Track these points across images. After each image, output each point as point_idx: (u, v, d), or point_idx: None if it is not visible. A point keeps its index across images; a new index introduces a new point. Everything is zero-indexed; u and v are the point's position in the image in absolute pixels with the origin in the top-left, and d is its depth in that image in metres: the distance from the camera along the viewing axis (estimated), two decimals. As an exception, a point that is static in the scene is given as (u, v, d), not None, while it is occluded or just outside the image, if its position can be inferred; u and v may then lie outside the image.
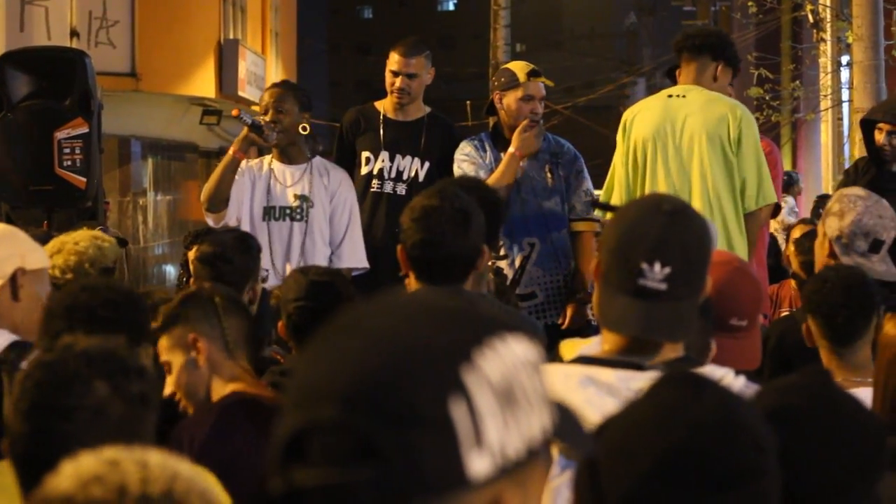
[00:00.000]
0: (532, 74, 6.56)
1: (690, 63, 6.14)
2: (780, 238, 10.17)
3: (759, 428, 1.78)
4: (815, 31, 15.56)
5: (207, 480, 1.51)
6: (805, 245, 6.79)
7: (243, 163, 6.42)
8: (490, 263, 4.37)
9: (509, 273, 6.41)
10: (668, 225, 2.65)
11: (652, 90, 36.38)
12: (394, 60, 6.81)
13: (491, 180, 6.28)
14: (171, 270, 20.14)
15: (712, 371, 2.67)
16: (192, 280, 5.15)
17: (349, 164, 6.80)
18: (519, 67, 6.65)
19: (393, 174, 6.78)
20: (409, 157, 6.79)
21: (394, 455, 1.24)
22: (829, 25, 14.98)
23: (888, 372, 3.27)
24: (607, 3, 54.96)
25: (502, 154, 6.49)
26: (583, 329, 6.27)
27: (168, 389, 3.75)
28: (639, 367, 2.64)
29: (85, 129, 7.44)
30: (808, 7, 15.24)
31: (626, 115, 6.24)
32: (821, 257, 5.12)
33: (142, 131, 19.91)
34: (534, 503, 1.34)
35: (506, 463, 1.29)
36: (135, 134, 19.64)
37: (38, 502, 1.40)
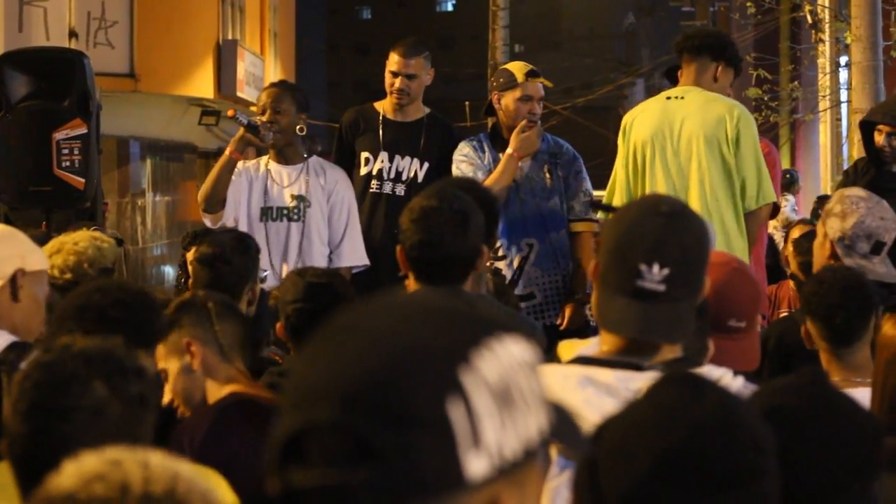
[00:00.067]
0: (530, 75, 6.56)
1: (690, 64, 6.15)
2: (779, 237, 10.17)
3: (758, 428, 1.79)
4: (813, 31, 15.56)
5: (208, 481, 1.51)
6: (803, 246, 6.79)
7: (240, 163, 6.42)
8: (488, 264, 4.37)
9: (508, 274, 6.41)
10: (666, 226, 2.65)
11: (650, 90, 36.41)
12: (393, 61, 6.81)
13: (489, 181, 6.28)
14: (169, 271, 20.13)
15: (710, 371, 2.67)
16: (190, 281, 5.15)
17: (348, 164, 6.80)
18: (517, 68, 6.65)
19: (392, 175, 6.78)
20: (408, 158, 6.79)
21: (392, 456, 1.24)
22: (827, 26, 14.99)
23: (886, 372, 3.27)
24: (606, 3, 54.98)
25: (501, 155, 6.49)
26: (581, 330, 6.27)
27: (166, 398, 3.76)
28: (637, 368, 2.64)
29: (83, 130, 7.44)
30: (807, 8, 15.25)
31: (626, 119, 6.25)
32: (821, 258, 5.11)
33: (140, 132, 19.90)
34: (531, 503, 1.34)
35: (503, 463, 1.29)
36: (133, 134, 19.64)
37: (41, 501, 1.41)
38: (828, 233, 5.09)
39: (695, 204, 5.87)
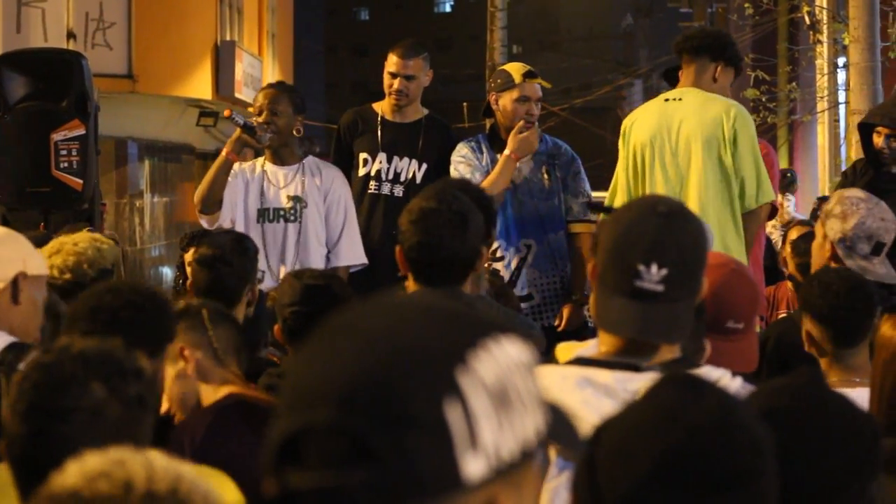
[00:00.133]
0: (528, 76, 6.56)
1: (690, 65, 6.15)
2: (777, 237, 10.17)
3: (757, 429, 1.79)
4: (811, 32, 15.57)
5: (211, 482, 1.52)
6: (801, 247, 6.79)
7: (236, 165, 6.42)
8: (486, 265, 4.37)
9: (505, 275, 6.41)
10: (663, 226, 2.66)
11: (649, 91, 36.42)
12: (392, 62, 6.81)
13: (486, 183, 6.28)
14: (167, 272, 20.14)
15: (709, 372, 2.67)
16: (188, 282, 5.14)
17: (346, 165, 6.80)
18: (515, 69, 6.65)
19: (390, 176, 6.78)
20: (406, 159, 6.79)
21: (389, 457, 1.24)
22: (825, 27, 14.99)
23: (884, 372, 3.28)
24: (604, 4, 55.00)
25: (499, 155, 6.49)
26: (579, 331, 6.27)
27: (163, 407, 3.77)
28: (636, 369, 2.64)
29: (81, 131, 7.44)
30: (805, 9, 15.25)
31: (626, 122, 6.25)
32: (820, 259, 5.11)
33: (138, 133, 19.91)
34: None
35: (500, 464, 1.29)
36: (131, 135, 19.64)
37: (44, 499, 1.41)
38: (828, 234, 5.09)
39: (693, 205, 5.87)
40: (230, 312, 4.33)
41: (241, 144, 6.38)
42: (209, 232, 6.12)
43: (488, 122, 6.82)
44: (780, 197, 11.72)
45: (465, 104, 23.13)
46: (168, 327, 3.28)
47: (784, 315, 6.79)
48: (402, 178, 6.77)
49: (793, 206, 13.22)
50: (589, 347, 2.81)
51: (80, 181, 7.46)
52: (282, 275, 5.72)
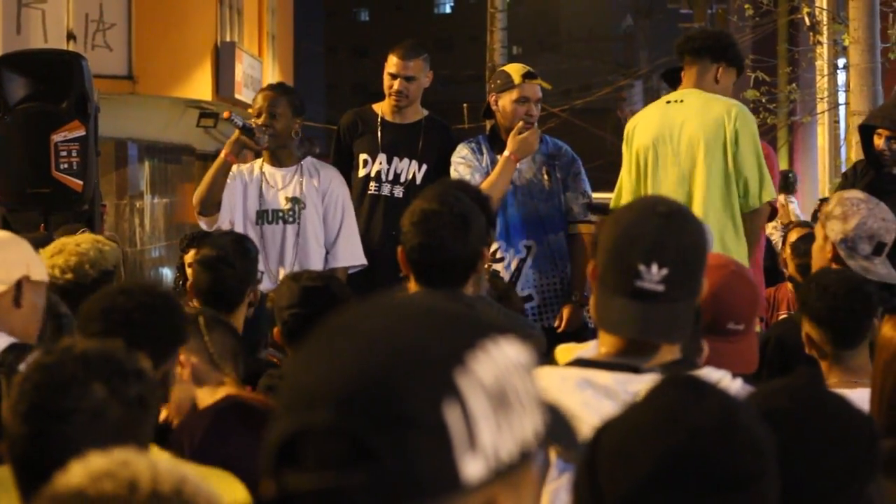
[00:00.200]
0: (527, 76, 6.55)
1: (692, 66, 6.15)
2: (777, 238, 10.18)
3: (758, 431, 1.79)
4: (811, 33, 15.57)
5: (216, 483, 1.52)
6: (801, 248, 6.79)
7: (234, 167, 6.42)
8: (486, 266, 4.36)
9: (505, 276, 6.41)
10: (664, 227, 2.66)
11: (649, 92, 36.43)
12: (392, 63, 6.81)
13: (486, 184, 6.28)
14: (167, 273, 20.13)
15: (710, 374, 2.67)
16: (188, 283, 5.14)
17: (346, 166, 6.80)
18: (515, 70, 6.65)
19: (390, 177, 6.78)
20: (406, 160, 6.79)
21: (388, 458, 1.24)
22: (825, 28, 14.98)
23: (885, 373, 3.28)
24: (604, 5, 55.01)
25: (499, 156, 6.49)
26: (579, 332, 6.27)
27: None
28: (636, 370, 2.64)
29: (82, 132, 7.44)
30: (805, 10, 15.25)
31: (629, 126, 6.26)
32: (821, 261, 5.12)
33: (138, 134, 19.90)
34: None
35: (499, 465, 1.29)
36: (131, 137, 19.64)
37: (48, 499, 1.41)
38: (829, 235, 5.10)
39: (697, 207, 5.88)
40: (227, 319, 4.36)
41: (240, 146, 6.38)
42: (209, 233, 6.12)
43: (488, 124, 6.81)
44: (782, 198, 11.74)
45: (465, 105, 23.14)
46: (180, 329, 3.28)
47: (784, 316, 6.79)
48: (402, 179, 6.77)
49: (797, 208, 13.24)
50: (589, 349, 2.81)
51: (81, 182, 7.46)
52: (281, 276, 5.72)
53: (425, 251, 3.63)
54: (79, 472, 1.41)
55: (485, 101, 6.79)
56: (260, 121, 6.40)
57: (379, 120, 6.84)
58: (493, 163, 6.50)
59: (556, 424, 1.41)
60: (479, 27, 23.96)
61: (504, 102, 6.55)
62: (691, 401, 1.79)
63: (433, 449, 1.25)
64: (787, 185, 13.56)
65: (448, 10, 62.23)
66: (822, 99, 15.90)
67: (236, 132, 6.35)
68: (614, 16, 55.04)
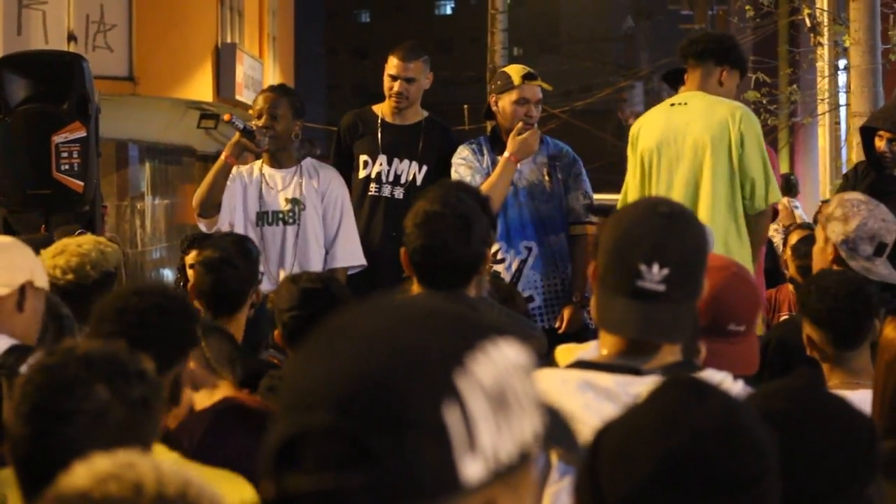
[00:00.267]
0: (527, 78, 6.55)
1: (695, 69, 6.15)
2: (778, 240, 10.18)
3: (760, 433, 1.78)
4: (812, 35, 15.55)
5: (223, 485, 1.53)
6: (801, 250, 6.79)
7: (234, 168, 6.42)
8: (487, 267, 4.36)
9: (506, 277, 6.41)
10: (665, 227, 2.67)
11: (649, 94, 36.44)
12: (392, 64, 6.81)
13: (486, 185, 6.29)
14: (168, 274, 20.13)
15: (711, 375, 2.67)
16: (189, 285, 5.13)
17: (346, 167, 6.80)
18: (514, 71, 6.65)
19: (391, 178, 6.78)
20: (406, 161, 6.79)
21: (388, 460, 1.24)
22: (826, 29, 14.98)
23: (887, 375, 3.28)
24: (605, 7, 55.02)
25: (500, 157, 6.49)
26: (580, 333, 6.27)
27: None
28: (637, 372, 2.64)
29: (82, 133, 7.44)
30: (806, 11, 15.24)
31: (634, 129, 6.26)
32: (821, 262, 5.12)
33: (139, 135, 19.91)
34: None
35: (499, 467, 1.29)
36: (132, 138, 19.64)
37: (52, 500, 1.41)
38: (829, 236, 5.10)
39: (703, 209, 5.88)
40: (229, 321, 4.36)
41: (241, 148, 6.39)
42: (210, 235, 6.12)
43: (489, 125, 6.81)
44: (785, 200, 11.75)
45: (465, 106, 23.14)
46: (193, 331, 3.28)
47: (786, 317, 6.79)
48: (403, 181, 6.77)
49: (802, 214, 13.24)
50: (589, 350, 2.81)
51: (81, 183, 7.45)
52: (281, 278, 5.72)
53: (428, 253, 3.63)
54: (83, 473, 1.41)
55: (486, 103, 6.79)
56: (261, 122, 6.40)
57: (379, 121, 6.84)
58: (494, 164, 6.50)
59: (556, 426, 1.42)
60: (480, 28, 23.96)
61: (504, 103, 6.55)
62: (693, 402, 1.79)
63: (433, 450, 1.25)
64: (789, 187, 13.58)
65: (449, 11, 62.25)
66: (822, 100, 15.90)
67: (237, 134, 6.35)
68: (615, 17, 55.05)
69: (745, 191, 5.99)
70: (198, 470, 2.43)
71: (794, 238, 7.64)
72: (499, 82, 6.66)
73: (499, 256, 6.45)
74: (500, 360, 1.32)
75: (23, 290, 3.77)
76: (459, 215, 3.64)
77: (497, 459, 1.29)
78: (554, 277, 6.51)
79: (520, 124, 6.46)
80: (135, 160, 20.23)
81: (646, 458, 1.75)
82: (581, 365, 2.71)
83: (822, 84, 15.73)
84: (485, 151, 6.60)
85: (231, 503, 1.54)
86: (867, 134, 6.89)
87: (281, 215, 6.46)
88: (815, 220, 5.63)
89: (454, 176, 6.48)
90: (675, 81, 7.00)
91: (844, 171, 10.22)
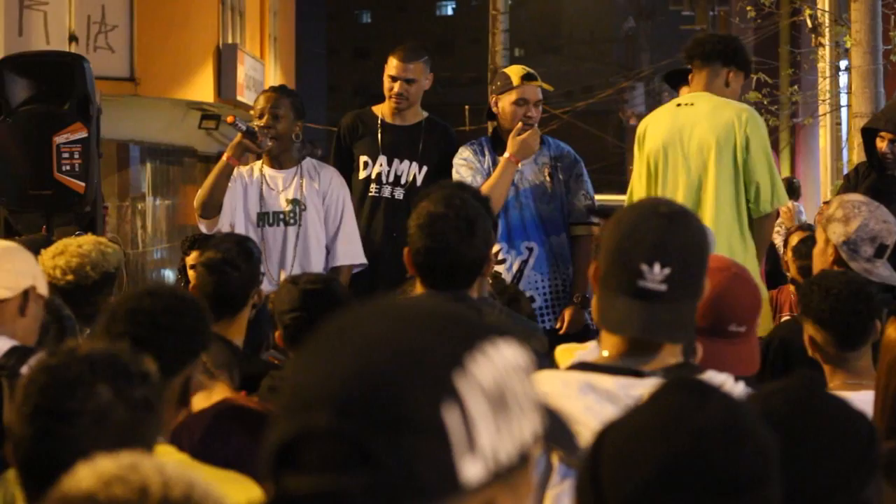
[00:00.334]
0: (526, 78, 6.55)
1: (702, 70, 6.14)
2: (779, 241, 10.18)
3: (762, 434, 1.78)
4: (813, 35, 15.55)
5: (228, 486, 1.53)
6: (802, 251, 6.79)
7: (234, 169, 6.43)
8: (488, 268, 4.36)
9: (507, 277, 6.40)
10: (666, 227, 2.67)
11: (650, 94, 36.43)
12: (392, 65, 6.81)
13: (486, 186, 6.29)
14: (169, 275, 20.14)
15: (712, 377, 2.67)
16: (191, 286, 5.13)
17: (346, 168, 6.80)
18: (514, 71, 6.66)
19: (391, 178, 6.78)
20: (406, 162, 6.79)
21: (388, 461, 1.25)
22: (827, 30, 14.97)
23: (889, 375, 3.28)
24: (606, 7, 55.01)
25: (501, 158, 6.49)
26: (581, 333, 6.27)
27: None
28: (638, 374, 2.65)
29: (84, 134, 7.44)
30: (807, 12, 15.24)
31: (640, 129, 6.26)
32: (822, 263, 5.12)
33: (140, 136, 19.92)
34: None
35: (498, 468, 1.29)
36: (133, 138, 19.65)
37: (57, 501, 1.41)
38: (830, 238, 5.10)
39: (708, 210, 5.88)
40: (230, 322, 4.36)
41: (243, 149, 6.39)
42: (211, 236, 6.11)
43: (491, 125, 6.81)
44: (790, 203, 11.75)
45: (466, 107, 23.16)
46: (205, 334, 3.28)
47: (787, 318, 6.79)
48: (403, 181, 6.77)
49: (803, 213, 13.24)
50: (589, 350, 2.81)
51: (82, 184, 7.46)
52: (282, 278, 5.72)
53: (431, 254, 3.63)
54: (87, 475, 1.41)
55: (487, 104, 6.79)
56: (262, 122, 6.40)
57: (379, 122, 6.84)
58: (495, 164, 6.50)
59: (555, 426, 1.42)
60: (481, 29, 23.98)
61: (503, 104, 6.55)
62: (694, 404, 1.79)
63: (432, 451, 1.26)
64: (791, 191, 13.59)
65: (450, 11, 62.25)
66: (823, 101, 15.90)
67: (239, 135, 6.35)
68: (616, 18, 55.04)
69: (749, 193, 5.99)
70: (206, 471, 2.43)
71: (794, 239, 7.65)
72: (498, 83, 6.66)
73: (500, 257, 6.45)
74: (499, 360, 1.32)
75: (26, 295, 3.79)
76: (463, 217, 3.64)
77: (496, 460, 1.29)
78: (555, 278, 6.51)
79: (519, 125, 6.46)
80: (136, 161, 20.24)
81: (647, 459, 1.75)
82: (582, 367, 2.71)
83: (823, 85, 15.73)
84: (486, 152, 6.60)
85: None
86: (868, 135, 6.89)
87: (282, 216, 6.47)
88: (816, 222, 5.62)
89: (455, 176, 6.48)
90: (676, 82, 7.00)
91: (845, 172, 10.22)
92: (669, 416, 1.78)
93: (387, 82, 6.85)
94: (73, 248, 5.01)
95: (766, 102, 14.75)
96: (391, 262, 6.45)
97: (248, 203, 6.47)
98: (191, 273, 6.77)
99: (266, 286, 5.89)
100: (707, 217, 5.88)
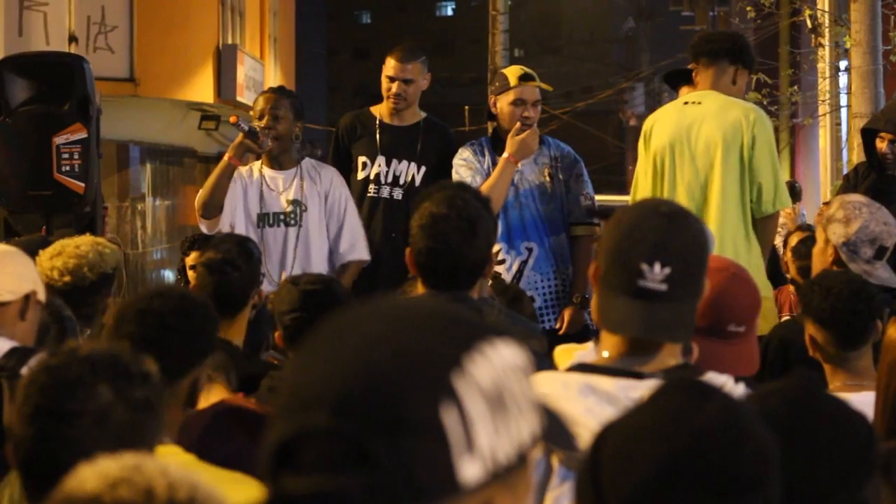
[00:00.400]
0: (524, 78, 6.55)
1: (708, 68, 6.13)
2: (778, 242, 10.19)
3: (763, 435, 1.78)
4: (813, 36, 15.55)
5: (232, 487, 1.53)
6: (802, 251, 6.80)
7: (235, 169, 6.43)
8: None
9: (507, 278, 6.40)
10: (666, 226, 2.68)
11: (650, 95, 36.42)
12: (390, 65, 6.81)
13: (485, 186, 6.29)
14: (169, 275, 20.14)
15: (713, 378, 2.67)
16: (190, 286, 5.13)
17: (345, 168, 6.80)
18: (512, 72, 6.66)
19: (389, 179, 6.78)
20: (405, 162, 6.79)
21: (386, 461, 1.25)
22: (827, 30, 14.97)
23: (890, 375, 3.28)
24: (605, 8, 54.99)
25: (500, 158, 6.49)
26: (581, 333, 6.27)
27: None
28: (638, 376, 2.65)
29: (83, 134, 7.44)
30: (807, 12, 15.24)
31: (646, 125, 6.25)
32: (821, 264, 5.12)
33: (140, 136, 19.92)
34: None
35: (496, 468, 1.29)
36: (133, 139, 19.65)
37: (60, 501, 1.41)
38: (830, 238, 5.10)
39: (714, 209, 5.88)
40: (231, 322, 4.36)
41: (244, 150, 6.39)
42: (211, 236, 6.12)
43: (491, 126, 6.81)
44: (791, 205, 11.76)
45: (466, 108, 23.16)
46: (213, 337, 3.29)
47: (787, 318, 6.79)
48: (402, 182, 6.77)
49: (805, 216, 13.26)
50: (588, 350, 2.81)
51: (82, 184, 7.46)
52: (283, 279, 5.72)
53: (433, 255, 3.63)
54: (91, 476, 1.41)
55: (487, 104, 6.80)
56: (262, 123, 6.40)
57: (377, 122, 6.84)
58: (495, 165, 6.50)
59: (553, 426, 1.42)
60: (481, 29, 23.98)
61: (502, 104, 6.55)
62: (694, 404, 1.79)
63: (430, 451, 1.26)
64: (793, 193, 13.60)
65: (449, 12, 62.25)
66: (823, 101, 15.90)
67: (240, 135, 6.36)
68: (616, 18, 55.01)
69: (752, 193, 5.98)
70: (211, 472, 2.43)
71: (794, 240, 7.65)
72: (497, 84, 6.66)
73: (500, 257, 6.45)
74: (497, 361, 1.32)
75: (27, 299, 3.81)
76: (465, 218, 3.64)
77: (495, 460, 1.29)
78: (555, 278, 6.51)
79: (517, 125, 6.46)
80: (136, 161, 20.24)
81: (647, 460, 1.75)
82: (582, 368, 2.71)
83: (823, 85, 15.73)
84: (486, 152, 6.60)
85: None
86: (868, 135, 6.89)
87: (282, 217, 6.47)
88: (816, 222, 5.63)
89: (455, 177, 6.48)
90: (676, 83, 7.00)
91: (845, 172, 10.22)
92: (669, 416, 1.78)
93: (385, 83, 6.85)
94: (70, 249, 5.00)
95: (765, 103, 14.75)
96: (390, 262, 6.45)
97: (248, 203, 6.47)
98: (190, 273, 6.77)
99: (266, 287, 5.90)
100: (713, 215, 5.88)
